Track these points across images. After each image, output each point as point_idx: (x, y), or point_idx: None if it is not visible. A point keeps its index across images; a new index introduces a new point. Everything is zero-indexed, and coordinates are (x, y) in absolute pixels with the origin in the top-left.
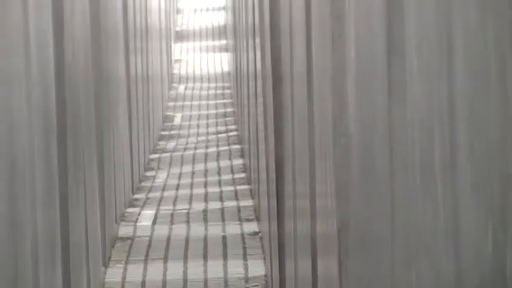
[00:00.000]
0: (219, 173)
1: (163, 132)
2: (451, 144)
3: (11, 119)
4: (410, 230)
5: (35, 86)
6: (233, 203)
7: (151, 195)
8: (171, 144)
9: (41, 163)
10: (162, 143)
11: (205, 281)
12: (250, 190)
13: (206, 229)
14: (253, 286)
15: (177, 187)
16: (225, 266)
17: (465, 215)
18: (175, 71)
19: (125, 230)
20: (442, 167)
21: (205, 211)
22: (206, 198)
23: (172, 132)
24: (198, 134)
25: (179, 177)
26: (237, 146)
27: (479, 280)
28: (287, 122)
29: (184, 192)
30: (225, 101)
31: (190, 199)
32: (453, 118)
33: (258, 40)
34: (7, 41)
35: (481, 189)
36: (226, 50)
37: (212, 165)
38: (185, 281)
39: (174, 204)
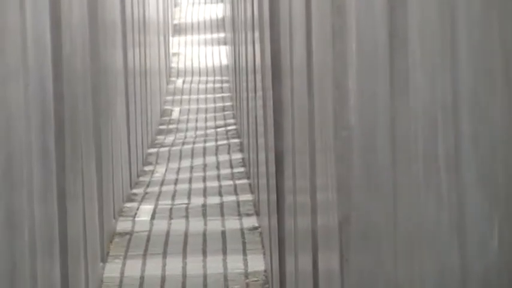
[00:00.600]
0: (218, 168)
1: (161, 127)
2: (455, 135)
3: (8, 112)
4: (413, 223)
5: (32, 79)
6: (232, 198)
7: (149, 189)
8: (170, 139)
9: (38, 157)
10: (160, 137)
11: (205, 276)
12: (250, 184)
13: (205, 224)
14: (253, 281)
15: (176, 182)
16: (224, 261)
17: (470, 208)
18: (173, 65)
19: (123, 225)
20: (445, 158)
21: (204, 206)
22: (205, 192)
23: (171, 126)
24: (196, 128)
25: (178, 172)
26: (236, 140)
27: (484, 273)
28: (287, 115)
29: (183, 186)
30: (223, 94)
31: (189, 194)
32: (457, 109)
33: (257, 33)
34: (4, 34)
35: (486, 181)
36: (225, 43)
37: (211, 159)
38: (184, 276)
39: (173, 199)
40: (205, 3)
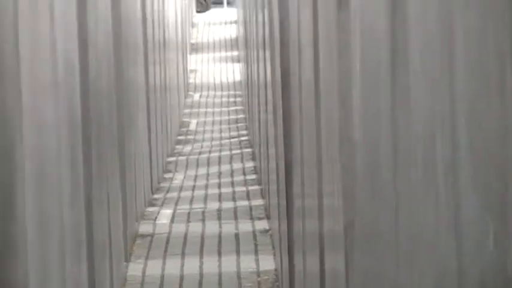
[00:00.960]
0: (231, 175)
1: (179, 137)
2: (453, 147)
3: (40, 126)
4: (413, 228)
5: (62, 96)
6: (245, 203)
7: (169, 195)
8: (187, 148)
9: (67, 167)
10: (178, 147)
11: (220, 275)
12: (261, 190)
13: (220, 227)
14: (265, 279)
15: (193, 188)
16: (237, 261)
17: (467, 213)
18: (191, 80)
19: (145, 227)
20: (443, 169)
21: (219, 210)
22: (220, 198)
23: (188, 137)
24: (212, 139)
25: (195, 179)
26: (249, 150)
27: (481, 276)
28: (295, 127)
29: (199, 192)
30: (237, 108)
31: (205, 199)
32: (455, 124)
33: (268, 52)
34: (36, 54)
35: (481, 188)
36: (238, 61)
37: (225, 167)
38: (201, 275)
39: (191, 203)
40: (220, 24)
